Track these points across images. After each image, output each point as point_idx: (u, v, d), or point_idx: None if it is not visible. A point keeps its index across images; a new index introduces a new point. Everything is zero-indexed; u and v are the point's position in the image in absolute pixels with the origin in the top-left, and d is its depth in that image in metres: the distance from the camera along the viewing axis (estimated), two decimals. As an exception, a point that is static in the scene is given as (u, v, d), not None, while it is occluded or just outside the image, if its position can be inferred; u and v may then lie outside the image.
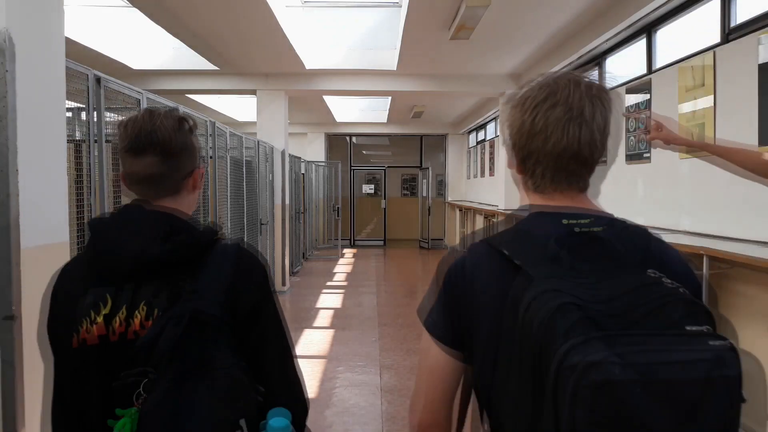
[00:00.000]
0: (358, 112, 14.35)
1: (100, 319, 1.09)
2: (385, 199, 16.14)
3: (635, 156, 5.37)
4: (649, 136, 1.71)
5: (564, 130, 0.95)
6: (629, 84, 5.57)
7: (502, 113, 1.04)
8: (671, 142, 1.91)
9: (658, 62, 5.16)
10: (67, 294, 1.16)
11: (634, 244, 0.92)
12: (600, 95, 0.97)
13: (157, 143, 1.15)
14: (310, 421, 1.57)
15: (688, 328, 0.76)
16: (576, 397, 0.73)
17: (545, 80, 0.99)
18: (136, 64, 8.05)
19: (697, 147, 1.82)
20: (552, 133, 0.95)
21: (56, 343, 1.16)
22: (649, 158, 5.11)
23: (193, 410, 1.01)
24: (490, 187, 11.50)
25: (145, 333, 1.07)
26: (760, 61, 3.60)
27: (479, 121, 12.54)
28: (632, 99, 5.47)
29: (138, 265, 1.10)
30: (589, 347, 0.73)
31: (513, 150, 1.02)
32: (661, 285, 0.82)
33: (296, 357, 1.23)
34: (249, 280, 1.17)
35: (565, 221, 0.93)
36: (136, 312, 1.10)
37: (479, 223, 11.00)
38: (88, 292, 1.12)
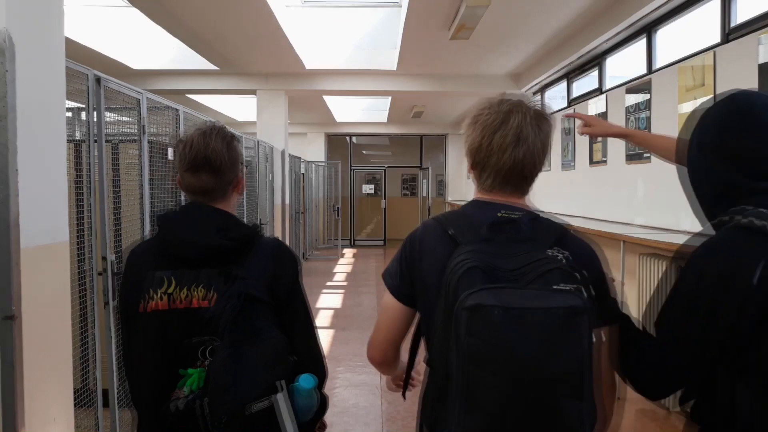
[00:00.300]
0: (358, 112, 14.35)
1: (164, 294, 1.37)
2: (385, 199, 16.14)
3: (635, 156, 5.37)
4: (582, 131, 1.99)
5: (510, 154, 1.24)
6: (629, 84, 5.57)
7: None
8: (601, 134, 2.20)
9: (658, 62, 5.16)
10: (137, 271, 1.43)
11: (548, 232, 1.22)
12: (540, 123, 1.28)
13: (210, 165, 1.42)
14: None
15: (556, 286, 1.08)
16: (459, 320, 1.07)
17: (499, 108, 1.26)
18: (136, 64, 8.05)
19: (620, 136, 2.12)
20: (501, 155, 1.24)
21: (126, 308, 1.46)
22: (649, 158, 5.11)
23: (246, 372, 1.29)
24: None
25: (203, 306, 1.36)
26: (760, 61, 3.60)
27: (479, 121, 12.54)
28: (632, 99, 5.47)
29: (198, 253, 1.39)
30: (479, 294, 1.07)
31: (469, 163, 1.32)
32: (553, 260, 1.12)
33: (318, 335, 1.52)
34: (285, 270, 1.46)
35: (500, 213, 1.22)
36: (195, 290, 1.37)
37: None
38: (156, 272, 1.39)
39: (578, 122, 2.02)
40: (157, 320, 1.37)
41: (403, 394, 1.53)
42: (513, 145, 1.24)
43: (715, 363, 1.17)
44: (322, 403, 1.49)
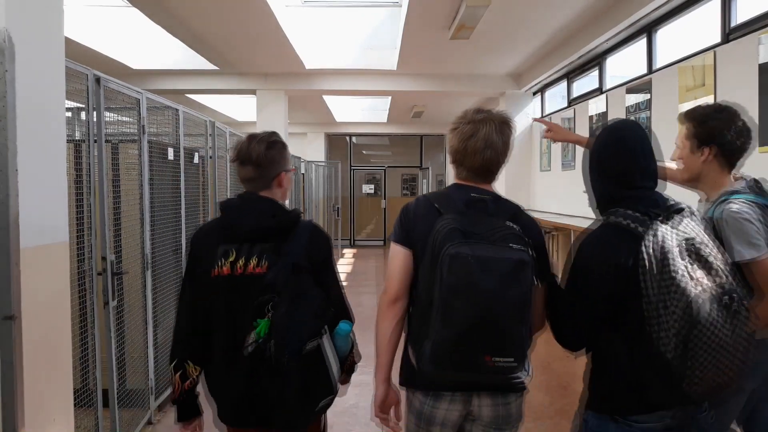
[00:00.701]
0: (358, 112, 14.34)
1: (227, 263, 1.79)
2: (385, 199, 16.14)
3: (635, 156, 5.38)
4: (545, 135, 2.50)
5: (481, 155, 1.74)
6: (629, 84, 5.57)
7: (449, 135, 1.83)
8: (561, 140, 2.56)
9: (659, 62, 5.15)
10: (205, 245, 1.85)
11: (507, 210, 1.75)
12: (503, 129, 1.76)
13: (251, 160, 1.86)
14: None
15: (510, 245, 1.58)
16: (443, 264, 1.55)
17: (473, 118, 1.75)
18: (135, 64, 8.04)
19: (575, 142, 2.61)
20: (474, 156, 1.74)
21: (197, 273, 1.85)
22: (649, 158, 5.11)
23: (300, 320, 1.74)
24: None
25: (256, 273, 1.77)
26: (760, 61, 3.60)
27: (479, 121, 12.54)
28: (632, 99, 5.46)
29: (253, 232, 1.81)
30: (458, 246, 1.55)
31: (450, 159, 1.83)
32: (510, 228, 1.64)
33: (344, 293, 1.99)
34: (320, 245, 1.90)
35: (473, 194, 1.73)
36: (251, 261, 1.79)
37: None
38: (220, 246, 1.81)
39: (543, 127, 2.46)
40: (224, 283, 1.79)
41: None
42: (483, 149, 1.73)
43: (601, 322, 1.67)
44: (352, 344, 1.96)
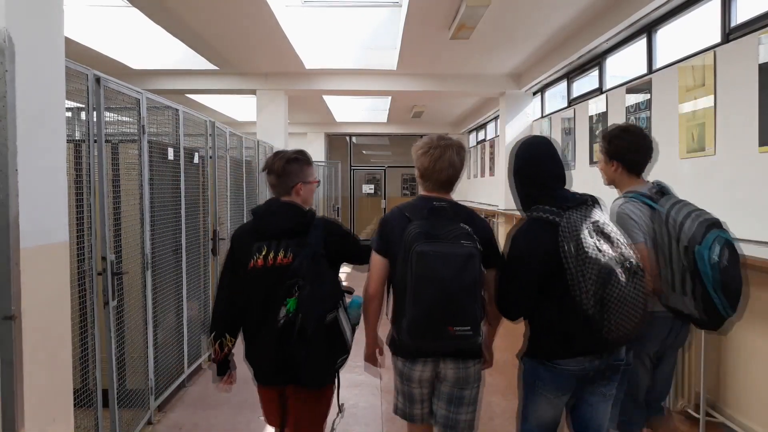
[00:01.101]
0: (358, 112, 14.33)
1: (261, 257, 2.27)
2: (385, 199, 16.14)
3: (635, 156, 5.37)
4: None
5: (445, 173, 2.29)
6: (629, 84, 5.56)
7: (415, 155, 2.37)
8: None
9: (659, 62, 5.15)
10: (243, 243, 2.34)
11: (461, 214, 2.23)
12: (460, 152, 2.32)
13: (273, 170, 2.40)
14: None
15: (462, 242, 2.05)
16: (412, 260, 2.03)
17: (438, 144, 2.30)
18: (135, 64, 8.04)
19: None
20: (440, 174, 2.29)
21: (237, 265, 2.34)
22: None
23: (320, 297, 2.18)
24: (491, 187, 11.49)
25: (283, 263, 2.24)
26: (761, 61, 3.60)
27: (479, 120, 12.53)
28: (632, 99, 5.46)
29: (279, 232, 2.30)
30: (422, 245, 2.03)
31: (419, 174, 2.36)
32: (462, 228, 2.10)
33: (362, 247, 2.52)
34: (332, 231, 2.42)
35: (435, 203, 2.21)
36: (279, 254, 2.26)
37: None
38: (254, 243, 2.29)
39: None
40: (258, 272, 2.27)
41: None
42: (447, 167, 2.29)
43: (535, 293, 2.15)
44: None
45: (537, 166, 2.24)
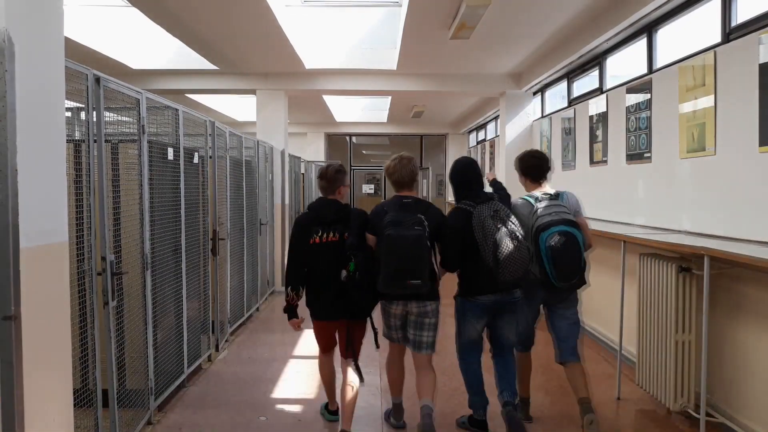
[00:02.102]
0: (358, 112, 14.33)
1: (318, 236, 3.43)
2: (385, 198, 16.11)
3: (635, 156, 5.37)
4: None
5: (407, 178, 3.55)
6: (630, 84, 5.56)
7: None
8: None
9: (659, 62, 5.15)
10: (305, 227, 3.46)
11: (422, 206, 3.48)
12: (414, 163, 3.60)
13: (325, 177, 3.56)
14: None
15: (415, 227, 3.26)
16: (384, 240, 3.27)
17: (401, 160, 3.56)
18: (135, 64, 8.04)
19: None
20: (400, 177, 3.55)
21: (301, 243, 3.47)
22: (649, 158, 5.10)
23: (367, 261, 3.34)
24: (491, 188, 11.48)
25: (332, 240, 3.42)
26: (761, 61, 3.59)
27: (479, 120, 12.53)
28: (633, 99, 5.46)
29: (329, 220, 3.45)
30: (390, 230, 3.25)
31: (391, 182, 3.62)
32: (418, 218, 3.30)
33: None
34: (364, 219, 3.52)
35: (404, 200, 3.50)
36: (329, 234, 3.44)
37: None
38: (313, 227, 3.45)
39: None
40: (316, 247, 3.42)
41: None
42: (408, 175, 3.51)
43: (461, 255, 3.45)
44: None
45: (463, 176, 3.63)
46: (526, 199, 3.65)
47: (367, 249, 3.39)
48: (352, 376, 3.50)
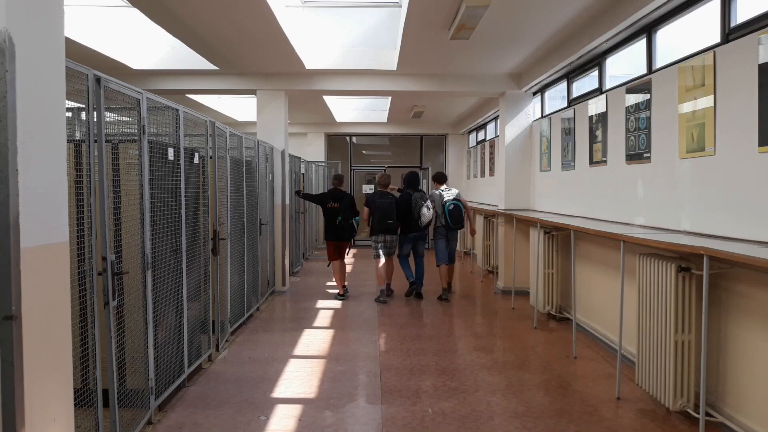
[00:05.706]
0: (358, 112, 14.33)
1: (331, 203, 8.39)
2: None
3: (635, 156, 5.37)
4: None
5: (381, 183, 8.68)
6: (629, 84, 5.57)
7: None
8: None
9: (659, 62, 5.15)
10: (326, 198, 8.51)
11: (391, 196, 8.44)
12: (384, 178, 8.67)
13: (338, 178, 8.78)
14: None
15: (389, 200, 8.32)
16: (376, 206, 8.34)
17: (381, 176, 8.73)
18: (136, 64, 8.05)
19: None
20: (381, 183, 8.65)
21: (324, 206, 8.48)
22: (649, 158, 5.11)
23: (348, 216, 8.34)
24: (491, 187, 11.50)
25: (336, 207, 8.29)
26: (760, 61, 3.60)
27: (479, 121, 12.53)
28: (632, 99, 5.46)
29: (336, 197, 8.42)
30: (378, 200, 8.32)
31: (378, 185, 8.73)
32: (390, 197, 8.33)
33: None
34: (347, 199, 8.42)
35: (382, 191, 8.46)
36: (335, 203, 8.34)
37: (479, 223, 10.98)
38: (329, 200, 8.44)
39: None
40: (330, 210, 8.36)
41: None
42: (384, 183, 8.53)
43: (405, 214, 8.26)
44: (357, 223, 8.60)
45: (411, 180, 8.42)
46: (439, 191, 8.27)
47: (348, 212, 8.15)
48: (340, 265, 8.32)
